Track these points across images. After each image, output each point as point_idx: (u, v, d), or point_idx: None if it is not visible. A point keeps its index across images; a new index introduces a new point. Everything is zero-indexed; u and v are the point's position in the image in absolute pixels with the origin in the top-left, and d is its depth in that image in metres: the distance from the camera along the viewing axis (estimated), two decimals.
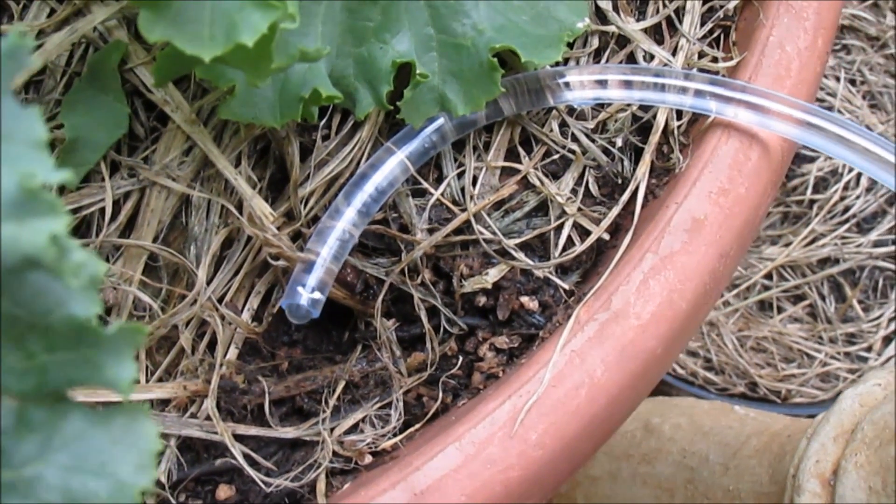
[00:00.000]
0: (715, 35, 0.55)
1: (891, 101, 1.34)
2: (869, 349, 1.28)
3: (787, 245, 1.30)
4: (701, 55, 0.54)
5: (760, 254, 1.30)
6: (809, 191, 1.29)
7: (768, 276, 1.31)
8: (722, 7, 0.54)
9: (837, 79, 1.33)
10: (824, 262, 1.29)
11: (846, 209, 1.29)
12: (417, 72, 0.48)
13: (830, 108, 1.32)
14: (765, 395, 1.25)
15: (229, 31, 0.37)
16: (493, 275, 0.50)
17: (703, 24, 0.54)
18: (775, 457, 0.89)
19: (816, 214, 1.28)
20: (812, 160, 1.29)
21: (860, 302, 1.28)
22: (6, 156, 0.24)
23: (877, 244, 1.28)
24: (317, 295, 0.48)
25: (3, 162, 0.24)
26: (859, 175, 1.28)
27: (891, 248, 1.27)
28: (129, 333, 0.29)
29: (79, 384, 0.29)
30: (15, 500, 0.29)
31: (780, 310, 1.30)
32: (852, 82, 1.34)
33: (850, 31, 1.36)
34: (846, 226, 1.27)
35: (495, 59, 0.48)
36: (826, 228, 1.28)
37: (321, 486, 0.47)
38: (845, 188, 1.27)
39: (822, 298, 1.29)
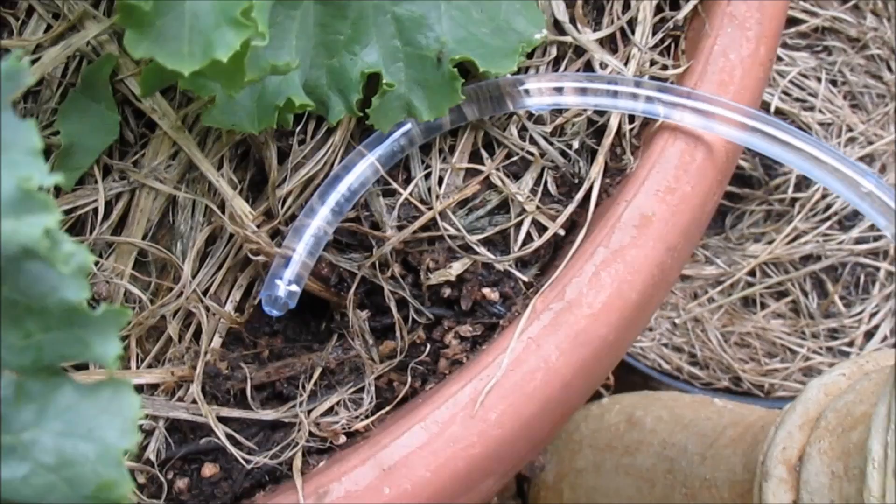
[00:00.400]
0: (666, 44, 0.59)
1: (871, 101, 1.38)
2: (851, 344, 1.33)
3: (770, 242, 1.34)
4: (652, 63, 0.58)
5: (744, 251, 1.35)
6: (791, 189, 1.33)
7: (752, 273, 1.35)
8: (672, 18, 0.59)
9: (819, 79, 1.38)
10: (807, 258, 1.33)
11: (827, 207, 1.33)
12: (384, 81, 0.52)
13: (812, 108, 1.36)
14: (748, 390, 1.29)
15: (206, 48, 0.42)
16: (456, 268, 0.55)
17: (654, 33, 0.59)
18: (749, 446, 0.93)
19: (798, 212, 1.32)
20: None
21: (842, 298, 1.32)
22: (6, 162, 0.29)
23: (858, 241, 1.32)
24: (293, 287, 0.53)
25: (3, 167, 0.29)
26: None
27: (872, 245, 1.31)
28: (114, 315, 0.34)
29: (70, 360, 0.34)
30: (14, 461, 0.34)
31: (763, 306, 1.34)
32: (833, 83, 1.38)
33: (830, 33, 1.40)
34: (828, 223, 1.31)
35: (456, 70, 0.53)
36: (808, 226, 1.32)
37: (297, 463, 0.52)
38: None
39: (805, 295, 1.33)
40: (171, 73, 0.41)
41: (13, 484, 0.34)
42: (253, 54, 0.42)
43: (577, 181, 0.57)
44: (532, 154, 0.57)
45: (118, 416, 0.34)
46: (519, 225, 0.56)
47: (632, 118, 0.57)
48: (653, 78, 0.58)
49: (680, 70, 0.58)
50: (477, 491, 0.54)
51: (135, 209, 0.55)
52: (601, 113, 0.58)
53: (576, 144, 0.57)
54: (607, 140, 0.57)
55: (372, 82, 0.53)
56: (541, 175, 0.57)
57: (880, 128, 1.36)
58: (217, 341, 0.55)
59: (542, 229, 0.56)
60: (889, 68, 1.38)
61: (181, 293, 0.54)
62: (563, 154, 0.57)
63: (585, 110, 0.57)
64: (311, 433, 0.54)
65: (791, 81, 1.35)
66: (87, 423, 0.34)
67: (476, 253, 0.55)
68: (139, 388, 0.54)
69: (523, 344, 0.52)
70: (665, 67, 0.58)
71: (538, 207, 0.56)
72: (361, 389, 0.55)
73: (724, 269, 1.34)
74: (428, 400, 0.52)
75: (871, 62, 1.40)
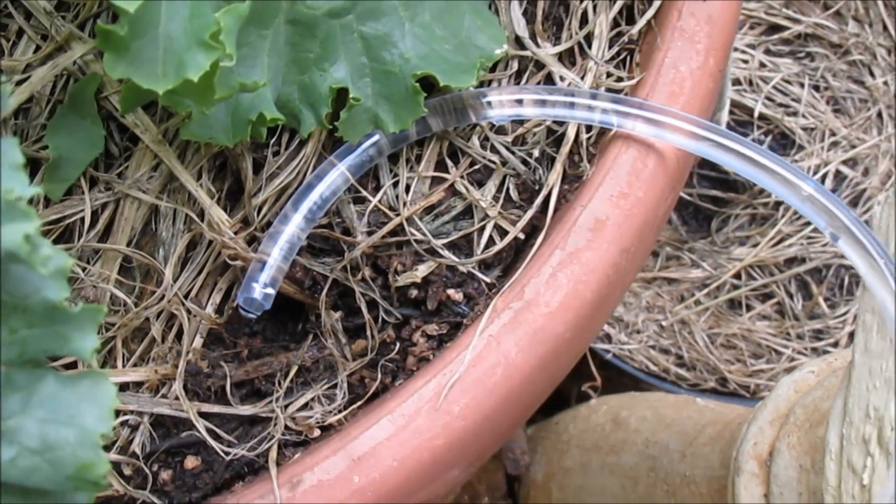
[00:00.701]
0: (622, 57, 0.63)
1: (854, 105, 1.42)
2: (835, 345, 1.37)
3: (755, 246, 1.38)
4: (608, 75, 0.62)
5: (729, 254, 1.39)
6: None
7: (737, 276, 1.39)
8: (627, 32, 0.63)
9: (802, 85, 1.42)
10: (791, 261, 1.37)
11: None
12: (352, 95, 0.56)
13: (795, 114, 1.40)
14: (734, 390, 1.33)
15: (178, 69, 0.46)
16: (422, 270, 0.59)
17: (611, 47, 0.63)
18: (726, 443, 0.97)
19: (783, 216, 1.36)
20: None
21: (826, 299, 1.36)
22: None
23: None
24: (269, 290, 0.57)
25: None
26: (823, 178, 1.37)
27: None
28: (91, 313, 0.38)
29: (52, 353, 0.38)
30: (2, 445, 0.38)
31: (749, 308, 1.38)
32: (816, 88, 1.42)
33: (813, 39, 1.44)
34: (811, 226, 1.35)
35: (418, 84, 0.57)
36: (792, 229, 1.36)
37: (273, 454, 0.56)
38: None
39: (790, 296, 1.37)
40: (147, 92, 0.46)
41: (1, 466, 0.38)
42: (222, 73, 0.47)
43: (537, 188, 0.61)
44: (494, 163, 0.61)
45: (96, 404, 0.38)
46: (482, 229, 0.60)
47: (589, 128, 0.61)
48: (608, 89, 0.62)
49: (633, 82, 0.62)
50: (442, 480, 0.58)
51: (119, 218, 0.59)
52: (560, 123, 0.62)
53: (536, 153, 0.61)
54: (565, 149, 0.61)
55: (341, 97, 0.57)
56: (503, 182, 0.61)
57: (863, 132, 1.40)
58: (198, 341, 0.59)
59: (503, 233, 0.60)
60: (871, 73, 1.42)
61: (163, 296, 0.58)
62: (524, 162, 0.61)
63: (545, 121, 0.61)
64: (287, 427, 0.58)
65: (774, 87, 1.39)
66: (68, 411, 0.38)
67: (441, 256, 0.59)
68: (125, 386, 0.58)
69: (484, 341, 0.56)
70: (620, 79, 0.62)
71: (500, 213, 0.60)
72: (335, 386, 0.59)
73: (711, 272, 1.38)
74: (395, 394, 0.56)
75: (854, 67, 1.44)
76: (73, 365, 0.56)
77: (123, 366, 0.58)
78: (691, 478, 1.02)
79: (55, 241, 0.58)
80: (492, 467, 1.29)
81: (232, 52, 0.46)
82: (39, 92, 0.58)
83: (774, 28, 1.45)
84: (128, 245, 0.59)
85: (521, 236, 0.60)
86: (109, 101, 0.58)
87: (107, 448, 0.56)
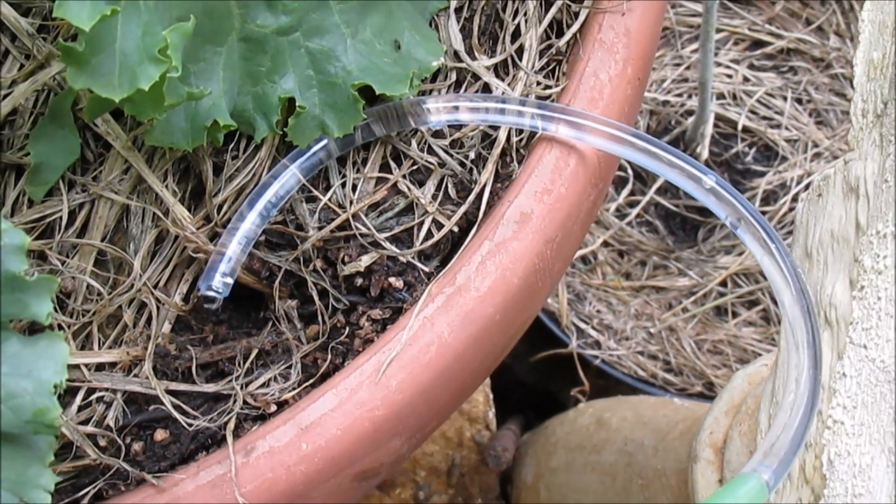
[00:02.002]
0: (551, 67, 0.71)
1: (836, 117, 1.49)
2: None
3: (741, 254, 1.45)
4: (538, 84, 0.70)
5: (716, 263, 1.46)
6: (758, 203, 1.44)
7: (723, 284, 1.46)
8: (555, 45, 0.71)
9: (785, 98, 1.49)
10: None
11: (794, 220, 1.43)
12: (298, 104, 0.65)
13: (778, 126, 1.48)
14: None
15: (132, 80, 0.54)
16: (365, 261, 0.67)
17: (541, 58, 0.71)
18: (694, 437, 1.04)
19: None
20: (762, 175, 1.45)
21: None
22: None
23: None
24: (227, 279, 0.65)
25: None
26: (807, 188, 1.44)
27: None
28: (46, 282, 0.46)
29: (14, 317, 0.47)
30: None
31: (734, 315, 1.45)
32: (799, 101, 1.50)
33: (796, 54, 1.52)
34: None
35: (358, 94, 0.65)
36: None
37: (231, 425, 0.64)
38: (793, 200, 1.42)
39: (775, 303, 1.44)
40: (106, 101, 0.54)
41: None
42: (170, 84, 0.55)
43: (472, 186, 0.69)
44: (433, 164, 0.69)
45: (51, 360, 0.47)
46: (421, 224, 0.68)
47: (519, 131, 0.69)
48: (537, 97, 0.70)
49: (559, 89, 0.70)
50: (385, 449, 0.65)
51: (94, 216, 0.67)
52: (494, 127, 0.70)
53: (472, 155, 0.69)
54: (497, 150, 0.69)
55: (290, 105, 0.66)
56: (441, 182, 0.69)
57: (845, 143, 1.47)
58: (167, 327, 0.67)
59: (440, 227, 0.68)
60: (852, 86, 1.49)
61: (133, 286, 0.66)
62: (461, 164, 0.69)
63: (480, 125, 0.69)
64: (246, 403, 0.66)
65: (758, 101, 1.46)
66: (28, 366, 0.47)
67: (383, 248, 0.67)
68: (101, 366, 0.66)
69: (420, 322, 0.64)
70: (548, 87, 0.70)
71: (438, 209, 0.68)
72: (290, 367, 0.67)
73: (697, 280, 1.45)
74: (340, 371, 0.64)
75: (835, 80, 1.51)
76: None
77: (99, 348, 0.66)
78: (662, 471, 1.09)
79: (37, 238, 0.66)
80: (484, 470, 1.37)
81: (178, 65, 0.54)
82: (23, 105, 0.67)
83: (758, 44, 1.52)
84: (102, 240, 0.67)
85: (456, 230, 0.68)
86: (85, 113, 0.66)
87: (84, 422, 0.65)
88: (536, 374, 1.52)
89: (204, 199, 0.67)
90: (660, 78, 1.49)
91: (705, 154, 1.42)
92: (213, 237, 0.67)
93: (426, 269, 0.67)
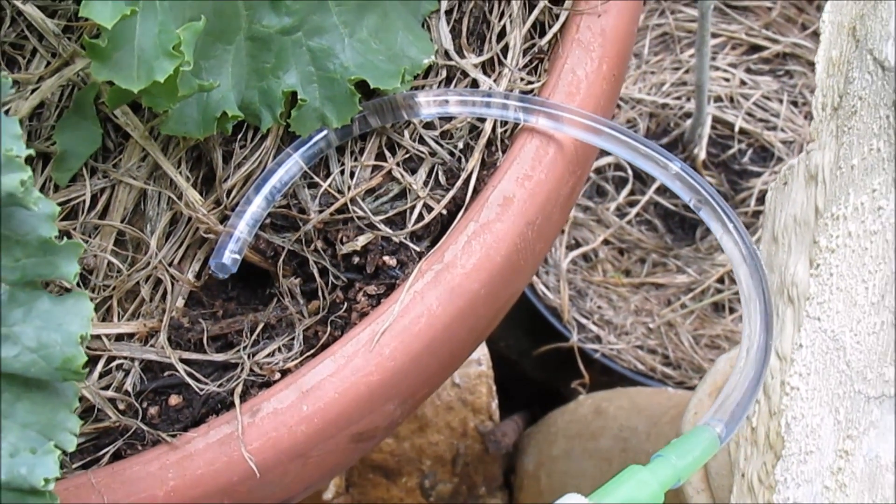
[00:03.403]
0: (534, 65, 0.79)
1: None
2: None
3: None
4: (521, 80, 0.78)
5: (713, 260, 1.53)
6: (754, 202, 1.51)
7: (721, 281, 1.52)
8: (537, 44, 0.79)
9: (781, 101, 1.56)
10: None
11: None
12: (300, 97, 0.72)
13: (774, 128, 1.55)
14: None
15: (149, 73, 0.62)
16: (361, 241, 0.74)
17: (524, 56, 0.79)
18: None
19: (762, 224, 1.50)
20: (758, 175, 1.52)
21: None
22: None
23: None
24: (236, 256, 0.73)
25: None
26: None
27: None
28: (73, 246, 0.54)
29: (45, 277, 0.54)
30: (9, 345, 0.54)
31: (731, 310, 1.52)
32: (794, 104, 1.56)
33: (791, 58, 1.59)
34: None
35: (354, 88, 0.72)
36: None
37: (238, 389, 0.72)
38: None
39: None
40: (126, 92, 0.62)
41: (8, 360, 0.54)
42: (183, 76, 0.63)
43: (460, 173, 0.76)
44: (425, 153, 0.76)
45: (78, 315, 0.54)
46: (413, 208, 0.75)
47: (503, 123, 0.77)
48: (521, 91, 0.77)
49: (540, 84, 0.77)
50: (380, 412, 0.73)
51: (114, 200, 0.75)
52: (481, 119, 0.77)
53: (460, 145, 0.77)
54: (482, 140, 0.76)
55: (293, 99, 0.73)
56: (432, 169, 0.76)
57: None
58: (180, 302, 0.75)
59: (430, 210, 0.75)
60: None
61: (149, 263, 0.74)
62: (450, 153, 0.76)
63: (467, 118, 0.77)
64: (252, 371, 0.73)
65: (755, 103, 1.53)
66: (58, 320, 0.54)
67: (378, 229, 0.74)
68: (120, 337, 0.73)
69: (411, 296, 0.71)
70: (530, 83, 0.77)
71: (429, 194, 0.75)
72: (293, 338, 0.74)
73: (695, 277, 1.52)
74: (338, 340, 0.72)
75: None
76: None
77: (118, 320, 0.74)
78: (653, 453, 1.15)
79: (62, 220, 0.74)
80: (488, 459, 1.44)
81: (190, 60, 0.62)
82: (49, 99, 0.75)
83: (755, 48, 1.59)
84: (121, 222, 0.75)
85: (445, 213, 0.75)
86: (106, 105, 0.74)
87: (105, 388, 0.72)
88: (543, 370, 1.59)
89: (214, 185, 0.75)
90: (659, 81, 1.56)
91: (703, 155, 1.49)
92: (223, 219, 0.74)
93: (417, 249, 0.74)
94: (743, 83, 1.56)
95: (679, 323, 1.50)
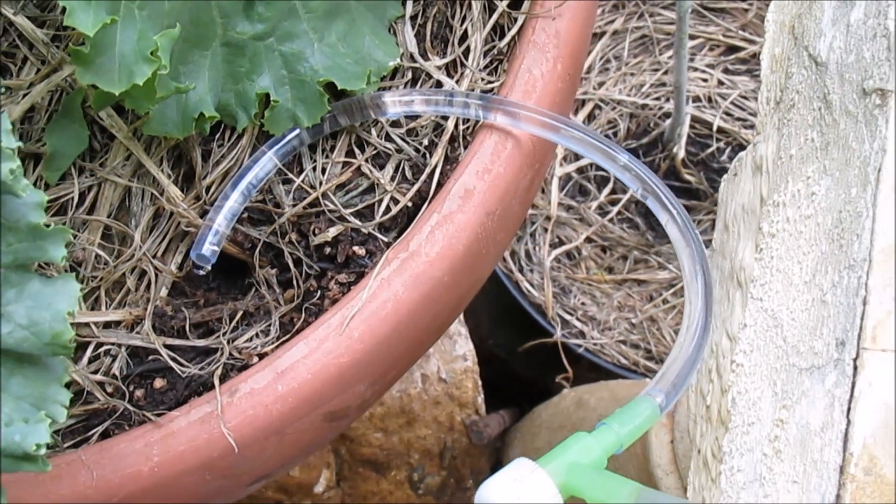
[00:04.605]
0: (493, 66, 0.86)
1: None
2: None
3: None
4: (482, 80, 0.85)
5: None
6: None
7: None
8: (497, 46, 0.86)
9: (757, 100, 1.63)
10: None
11: None
12: (272, 99, 0.79)
13: (751, 127, 1.61)
14: None
15: (129, 76, 0.69)
16: (332, 232, 0.81)
17: (485, 57, 0.86)
18: None
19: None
20: None
21: None
22: None
23: None
24: (215, 248, 0.80)
25: None
26: None
27: None
28: (60, 231, 0.61)
29: (35, 261, 0.61)
30: (2, 322, 0.61)
31: None
32: None
33: None
34: None
35: (324, 89, 0.79)
36: None
37: (218, 372, 0.78)
38: None
39: None
40: (108, 94, 0.69)
41: (2, 337, 0.61)
42: (160, 80, 0.70)
43: (425, 168, 0.83)
44: (392, 150, 0.83)
45: (66, 295, 0.61)
46: (381, 201, 0.82)
47: (465, 121, 0.84)
48: (481, 91, 0.84)
49: (499, 84, 0.84)
50: (351, 392, 0.79)
51: (101, 197, 0.82)
52: (445, 117, 0.84)
53: (425, 142, 0.83)
54: (445, 137, 0.83)
55: (266, 100, 0.80)
56: (399, 165, 0.83)
57: None
58: (164, 291, 0.82)
59: (397, 203, 0.82)
60: None
61: (134, 255, 0.81)
62: (416, 149, 0.83)
63: (432, 116, 0.84)
64: (231, 355, 0.80)
65: (732, 103, 1.60)
66: (47, 300, 0.61)
67: (348, 221, 0.81)
68: (108, 324, 0.80)
69: (378, 283, 0.78)
70: (490, 82, 0.84)
71: (396, 188, 0.82)
72: (270, 325, 0.81)
73: (676, 273, 1.58)
74: (310, 325, 0.79)
75: None
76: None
77: (106, 309, 0.81)
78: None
79: (53, 216, 0.81)
80: (475, 452, 1.51)
81: (167, 64, 0.69)
82: (39, 103, 0.82)
83: (732, 49, 1.66)
84: (108, 217, 0.82)
85: (411, 205, 0.82)
86: (92, 109, 0.81)
87: (94, 372, 0.79)
88: (531, 368, 1.65)
89: (194, 181, 0.82)
90: (639, 83, 1.63)
91: (682, 153, 1.56)
92: (203, 214, 0.81)
93: (385, 239, 0.81)
94: (721, 83, 1.63)
95: (661, 318, 1.56)
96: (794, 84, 0.81)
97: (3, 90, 0.57)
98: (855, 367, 0.68)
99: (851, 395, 0.67)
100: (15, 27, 0.83)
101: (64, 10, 0.66)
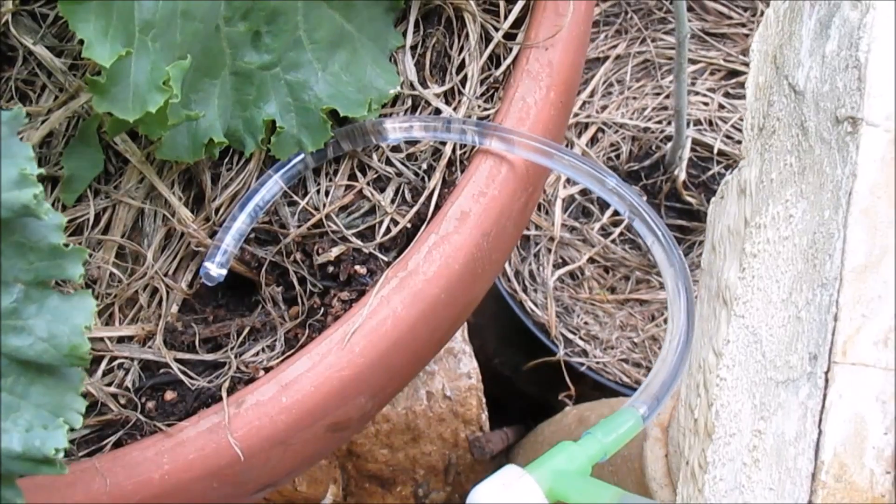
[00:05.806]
0: (490, 94, 0.91)
1: None
2: None
3: None
4: (479, 107, 0.90)
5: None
6: None
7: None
8: (493, 75, 0.91)
9: None
10: None
11: None
12: (278, 125, 0.84)
13: None
14: None
15: (142, 105, 0.74)
16: (335, 252, 0.86)
17: (482, 85, 0.91)
18: None
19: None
20: None
21: None
22: (12, 162, 0.62)
23: None
24: (222, 268, 0.85)
25: (10, 164, 0.62)
26: None
27: None
28: (78, 252, 0.66)
29: (55, 278, 0.66)
30: (24, 336, 0.66)
31: None
32: None
33: None
34: None
35: (327, 116, 0.84)
36: None
37: (226, 384, 0.83)
38: None
39: None
40: (122, 122, 0.74)
41: (24, 349, 0.66)
42: (172, 108, 0.75)
43: (423, 191, 0.88)
44: (392, 174, 0.88)
45: (83, 310, 0.66)
46: (381, 222, 0.87)
47: (462, 146, 0.89)
48: (477, 117, 0.89)
49: (494, 111, 0.89)
50: (353, 404, 0.84)
51: (115, 218, 0.87)
52: (443, 143, 0.89)
53: (424, 166, 0.88)
54: (443, 162, 0.88)
55: (273, 126, 0.85)
56: (399, 188, 0.88)
57: None
58: (175, 308, 0.87)
59: (397, 224, 0.87)
60: None
61: (146, 273, 0.86)
62: (415, 173, 0.88)
63: (430, 142, 0.89)
64: (239, 369, 0.85)
65: (733, 126, 1.64)
66: (65, 314, 0.66)
67: (350, 242, 0.86)
68: (121, 339, 0.85)
69: (378, 300, 0.83)
70: (486, 109, 0.89)
71: (396, 210, 0.87)
72: (275, 340, 0.86)
73: None
74: (314, 340, 0.83)
75: None
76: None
77: (119, 324, 0.86)
78: (628, 456, 1.25)
79: (70, 235, 0.86)
80: (479, 469, 1.55)
81: (178, 93, 0.74)
82: (57, 128, 0.87)
83: (732, 73, 1.71)
84: (122, 237, 0.87)
85: (410, 226, 0.87)
86: (107, 134, 0.86)
87: (108, 384, 0.84)
88: (535, 385, 1.69)
89: (204, 203, 0.87)
90: (641, 106, 1.68)
91: (683, 176, 1.61)
92: (212, 234, 0.86)
93: (385, 259, 0.86)
94: (721, 107, 1.68)
95: (662, 337, 1.60)
96: (776, 111, 0.85)
97: (24, 116, 0.62)
98: (826, 380, 0.72)
99: (823, 407, 0.72)
100: (34, 56, 0.88)
101: (82, 41, 0.71)
